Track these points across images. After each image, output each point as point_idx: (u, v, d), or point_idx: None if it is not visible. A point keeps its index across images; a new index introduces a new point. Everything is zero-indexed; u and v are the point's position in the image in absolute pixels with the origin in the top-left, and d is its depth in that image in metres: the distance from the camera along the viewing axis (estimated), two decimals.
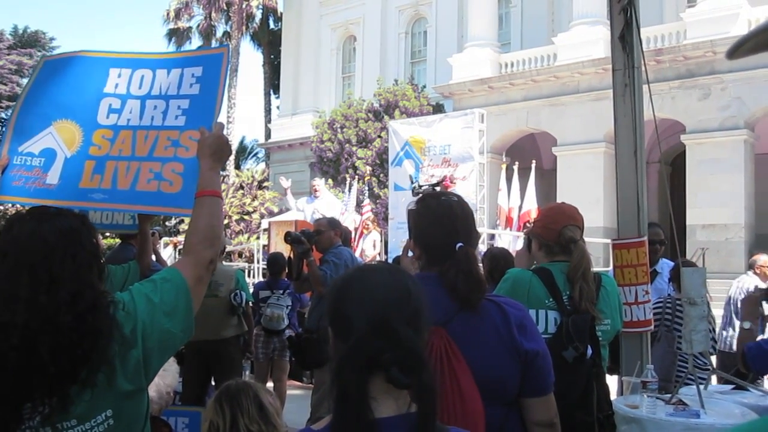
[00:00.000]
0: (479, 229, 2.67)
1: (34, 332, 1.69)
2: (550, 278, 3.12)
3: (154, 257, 5.12)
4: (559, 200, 19.31)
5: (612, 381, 4.38)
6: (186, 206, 3.11)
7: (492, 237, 15.61)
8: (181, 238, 21.22)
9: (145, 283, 2.01)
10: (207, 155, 2.25)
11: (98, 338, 1.75)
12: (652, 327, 4.35)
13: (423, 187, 11.67)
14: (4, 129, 3.59)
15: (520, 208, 16.09)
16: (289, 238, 6.06)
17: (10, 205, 26.66)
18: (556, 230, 3.26)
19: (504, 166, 17.27)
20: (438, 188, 11.26)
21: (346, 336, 1.57)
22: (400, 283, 1.65)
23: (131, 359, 1.82)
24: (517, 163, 16.69)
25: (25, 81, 41.58)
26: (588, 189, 20.41)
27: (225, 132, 2.48)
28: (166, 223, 32.26)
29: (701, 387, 3.77)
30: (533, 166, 16.43)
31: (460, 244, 2.34)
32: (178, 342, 1.99)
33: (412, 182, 13.10)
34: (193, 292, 1.99)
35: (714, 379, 5.23)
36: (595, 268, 3.35)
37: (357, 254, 13.83)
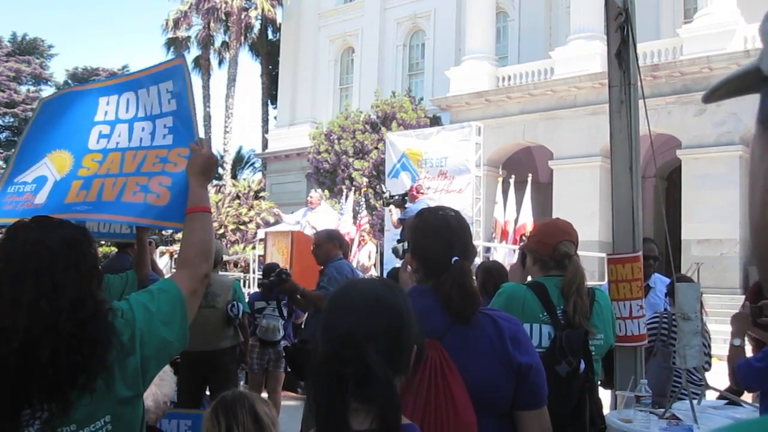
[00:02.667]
0: (475, 242, 2.70)
1: (34, 337, 1.71)
2: (544, 293, 3.15)
3: (150, 266, 5.14)
4: (555, 214, 19.40)
5: (606, 395, 4.41)
6: (173, 219, 3.14)
7: (488, 250, 15.64)
8: (176, 247, 21.21)
9: (142, 293, 2.05)
10: (197, 173, 2.34)
11: (97, 345, 1.77)
12: (646, 342, 4.37)
13: (394, 197, 11.68)
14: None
15: (516, 221, 16.11)
16: (269, 289, 6.24)
17: None
18: (550, 245, 3.29)
19: (500, 179, 17.30)
20: (406, 198, 11.29)
21: (324, 347, 1.62)
22: (379, 296, 1.68)
23: (129, 366, 1.86)
24: (513, 176, 16.77)
25: (23, 88, 41.65)
26: (584, 203, 20.45)
27: (212, 146, 2.55)
28: (162, 233, 32.23)
29: (695, 402, 3.79)
30: (529, 179, 16.49)
31: (455, 258, 2.36)
32: (174, 351, 2.04)
33: (383, 192, 13.16)
34: (188, 304, 2.05)
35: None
36: (590, 282, 3.38)
37: (354, 265, 13.86)
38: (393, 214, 11.62)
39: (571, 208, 20.00)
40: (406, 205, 10.98)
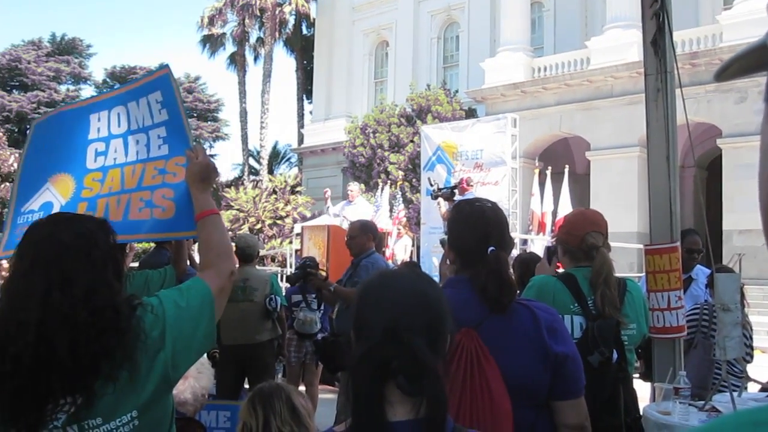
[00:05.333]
0: (512, 235, 2.71)
1: (50, 329, 1.73)
2: (574, 284, 3.14)
3: (188, 262, 5.20)
4: (592, 205, 19.22)
5: (645, 387, 4.36)
6: (182, 229, 3.19)
7: (525, 242, 15.55)
8: None
9: (172, 289, 2.07)
10: (196, 181, 2.40)
11: (121, 336, 1.79)
12: (685, 333, 4.31)
13: (442, 190, 11.67)
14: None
15: (554, 213, 15.99)
16: (293, 282, 6.29)
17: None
18: (578, 236, 3.28)
19: (537, 171, 17.18)
20: (455, 191, 11.27)
21: (362, 340, 1.62)
22: (418, 289, 1.68)
23: (159, 361, 1.87)
24: (550, 167, 16.62)
25: (63, 88, 42.34)
26: (622, 194, 20.23)
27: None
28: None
29: (735, 394, 3.74)
30: (566, 170, 16.35)
31: (492, 249, 2.37)
32: (202, 348, 2.06)
33: (431, 185, 13.12)
34: (216, 302, 2.06)
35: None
36: (629, 274, 3.35)
37: (389, 258, 13.87)
38: (441, 206, 11.59)
39: (608, 199, 19.80)
40: (455, 198, 10.95)
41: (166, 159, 3.32)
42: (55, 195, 3.51)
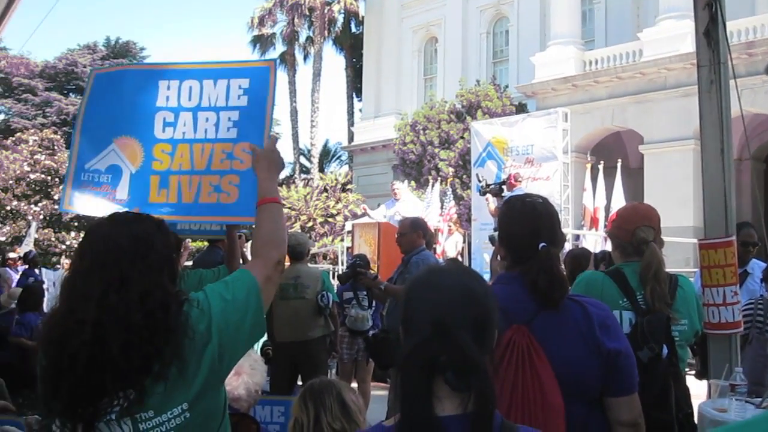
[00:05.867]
0: (564, 230, 2.70)
1: (105, 329, 1.79)
2: (623, 279, 3.12)
3: (241, 260, 5.28)
4: (646, 200, 18.89)
5: (702, 385, 4.29)
6: (243, 214, 3.28)
7: (577, 238, 15.38)
8: None
9: (218, 283, 2.10)
10: (263, 168, 2.38)
11: (170, 335, 1.84)
12: (742, 329, 4.24)
13: (491, 186, 11.60)
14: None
15: (607, 208, 15.77)
16: (343, 281, 6.29)
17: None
18: (629, 231, 3.25)
19: (589, 166, 16.95)
20: (504, 187, 11.19)
21: (411, 336, 1.63)
22: (464, 285, 1.68)
23: (207, 355, 1.90)
24: (602, 162, 16.38)
25: None
26: (677, 188, 19.84)
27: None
28: (253, 227, 32.89)
29: None
30: (619, 164, 16.09)
31: (543, 244, 2.37)
32: (251, 339, 2.08)
33: (479, 181, 13.06)
34: (263, 292, 2.07)
35: None
36: (684, 270, 3.31)
37: (440, 255, 13.86)
38: (490, 203, 11.54)
39: (663, 193, 19.45)
40: (504, 194, 10.90)
41: (234, 143, 3.41)
42: (123, 160, 3.57)
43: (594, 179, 16.13)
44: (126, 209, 3.35)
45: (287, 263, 7.35)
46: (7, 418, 4.48)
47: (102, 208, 3.55)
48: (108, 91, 3.72)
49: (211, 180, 3.39)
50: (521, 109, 24.15)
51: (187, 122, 3.53)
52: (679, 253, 16.05)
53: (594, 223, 15.68)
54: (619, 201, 15.49)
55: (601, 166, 16.06)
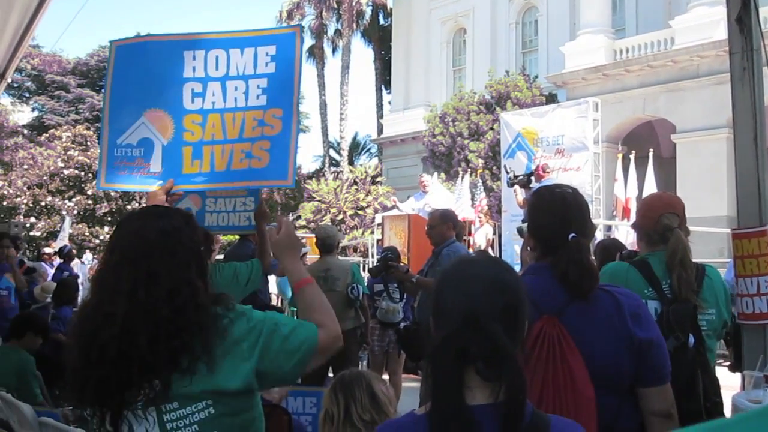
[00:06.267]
0: (595, 221, 2.69)
1: (133, 323, 1.82)
2: (648, 268, 3.10)
3: (272, 253, 5.31)
4: (679, 189, 18.70)
5: (736, 377, 4.25)
6: (273, 177, 3.34)
7: (608, 228, 15.26)
8: (298, 233, 21.70)
9: (285, 317, 2.11)
10: (284, 254, 2.32)
11: (200, 331, 1.86)
12: None
13: (518, 177, 11.54)
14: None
15: (639, 198, 15.58)
16: (382, 271, 6.28)
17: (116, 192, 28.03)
18: (653, 218, 3.23)
19: (620, 156, 16.79)
20: (532, 178, 11.12)
21: (441, 327, 1.64)
22: (494, 276, 1.68)
23: (241, 369, 1.90)
24: (633, 152, 16.20)
25: None
26: (710, 177, 19.58)
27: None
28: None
29: None
30: (651, 154, 15.92)
31: (572, 235, 2.36)
32: (284, 380, 2.08)
33: (507, 172, 12.99)
34: (314, 354, 2.04)
35: None
36: (718, 260, 3.28)
37: (470, 247, 13.83)
38: (518, 194, 11.49)
39: (696, 183, 19.23)
40: (532, 185, 10.85)
41: (264, 110, 3.44)
42: (154, 133, 3.60)
43: (625, 169, 15.97)
44: (161, 182, 3.39)
45: (317, 256, 7.40)
46: (44, 410, 4.56)
47: (138, 183, 3.61)
48: (132, 63, 3.73)
49: (243, 147, 3.42)
50: (551, 99, 23.98)
51: (216, 92, 3.56)
52: (712, 244, 15.86)
53: (626, 213, 15.53)
54: (650, 191, 15.29)
55: (632, 156, 15.89)
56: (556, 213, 2.45)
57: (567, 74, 24.18)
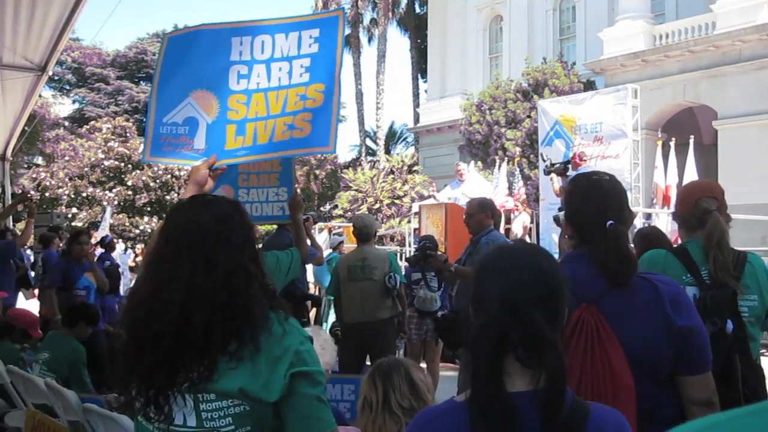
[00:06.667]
0: (634, 209, 2.67)
1: (190, 310, 1.85)
2: (686, 255, 3.08)
3: (309, 242, 5.34)
4: (720, 176, 18.40)
5: None
6: (315, 145, 3.47)
7: (648, 216, 15.08)
8: (334, 222, 21.83)
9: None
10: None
11: (250, 316, 1.88)
12: None
13: (555, 165, 11.46)
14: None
15: (679, 186, 15.35)
16: (421, 260, 6.28)
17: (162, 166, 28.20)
18: (691, 203, 3.22)
19: (660, 143, 16.54)
20: (569, 166, 11.03)
21: (481, 314, 1.64)
22: (534, 263, 1.68)
23: (279, 370, 1.88)
24: (674, 139, 15.97)
25: None
26: (753, 164, 19.22)
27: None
28: (321, 209, 33.28)
29: None
30: (692, 141, 15.67)
31: (610, 222, 2.35)
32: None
33: (543, 160, 12.90)
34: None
35: None
36: (762, 248, 3.24)
37: (507, 235, 13.78)
38: (554, 182, 11.42)
39: (739, 170, 18.91)
40: (569, 173, 10.77)
41: (307, 86, 3.53)
42: (200, 112, 3.69)
43: (665, 156, 15.75)
44: (204, 158, 3.46)
45: (354, 245, 7.42)
46: (89, 396, 4.66)
47: (182, 158, 3.69)
48: (182, 51, 3.85)
49: (285, 120, 3.52)
50: (589, 86, 23.69)
51: (261, 73, 3.66)
52: (755, 231, 15.60)
53: (666, 201, 15.32)
54: (691, 179, 15.07)
55: (672, 143, 15.66)
56: (592, 200, 2.44)
57: (605, 60, 23.89)
